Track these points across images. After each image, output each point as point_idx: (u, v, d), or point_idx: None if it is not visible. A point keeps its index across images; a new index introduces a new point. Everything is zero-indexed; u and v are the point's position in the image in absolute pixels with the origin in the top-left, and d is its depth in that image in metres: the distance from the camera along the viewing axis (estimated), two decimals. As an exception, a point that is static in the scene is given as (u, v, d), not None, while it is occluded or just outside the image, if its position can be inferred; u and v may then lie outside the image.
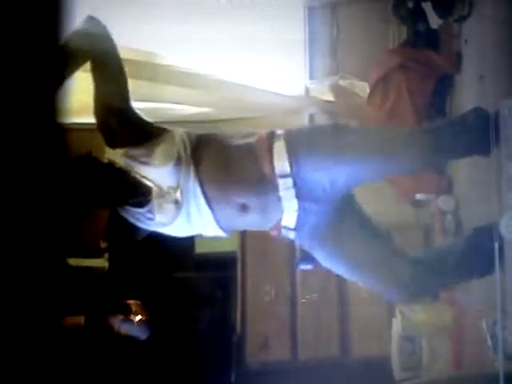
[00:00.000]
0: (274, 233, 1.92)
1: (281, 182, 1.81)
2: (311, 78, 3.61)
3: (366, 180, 1.95)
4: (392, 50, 3.25)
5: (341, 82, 3.43)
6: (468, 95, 2.74)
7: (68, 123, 1.87)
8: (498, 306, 1.96)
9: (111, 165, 1.83)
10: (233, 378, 2.99)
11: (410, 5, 2.99)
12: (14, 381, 1.06)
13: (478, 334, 2.38)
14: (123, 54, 2.53)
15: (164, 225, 1.84)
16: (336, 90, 3.41)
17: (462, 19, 2.80)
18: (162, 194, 1.80)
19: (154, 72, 2.97)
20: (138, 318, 2.14)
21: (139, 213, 1.84)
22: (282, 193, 1.82)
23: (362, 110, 3.23)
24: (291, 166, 1.81)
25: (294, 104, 3.38)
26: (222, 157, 1.84)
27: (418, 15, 3.01)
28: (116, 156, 1.86)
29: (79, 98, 2.66)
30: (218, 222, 1.83)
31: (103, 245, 2.03)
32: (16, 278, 1.04)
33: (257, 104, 3.23)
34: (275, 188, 1.82)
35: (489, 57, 2.56)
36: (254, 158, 1.83)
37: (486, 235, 1.97)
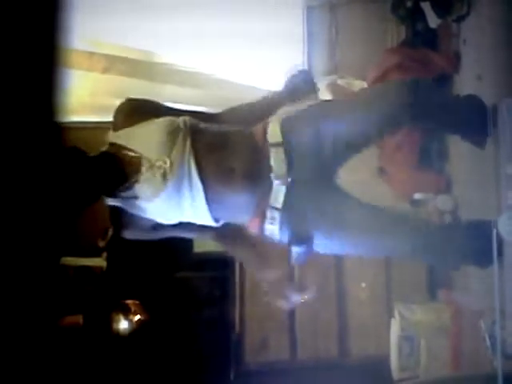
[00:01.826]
0: (254, 225, 1.87)
1: (272, 150, 1.83)
2: (310, 77, 3.60)
3: (353, 141, 1.92)
4: (390, 50, 3.25)
5: (339, 82, 3.44)
6: (466, 95, 2.74)
7: (67, 122, 1.86)
8: (497, 305, 1.96)
9: (101, 154, 1.82)
10: (232, 378, 2.98)
11: (409, 4, 2.99)
12: (12, 380, 1.06)
13: (477, 334, 2.38)
14: (121, 52, 2.53)
15: (149, 200, 1.79)
16: (334, 89, 3.41)
17: (460, 19, 2.80)
18: (149, 166, 1.78)
19: (152, 71, 2.97)
20: (137, 317, 2.14)
21: (127, 194, 1.81)
22: (272, 161, 1.82)
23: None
24: (283, 136, 1.84)
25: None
26: (219, 135, 1.87)
27: (416, 15, 3.01)
28: (117, 137, 1.85)
29: (79, 96, 2.67)
30: (208, 201, 1.80)
31: (101, 244, 2.02)
32: (14, 277, 1.03)
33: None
34: (266, 156, 1.83)
35: (487, 57, 2.56)
36: (249, 133, 1.88)
37: (483, 229, 1.97)
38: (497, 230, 1.94)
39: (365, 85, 3.24)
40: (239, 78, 3.26)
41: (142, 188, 1.79)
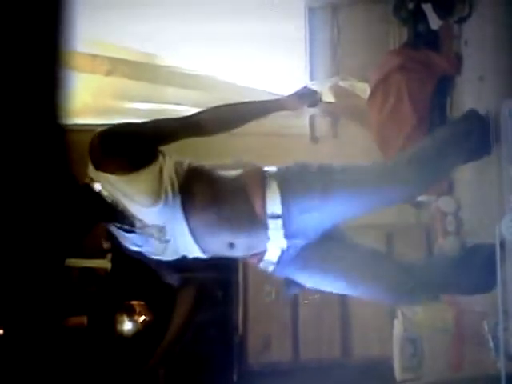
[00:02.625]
0: (253, 261, 1.95)
1: (271, 222, 1.82)
2: (311, 79, 3.61)
3: (354, 215, 1.96)
4: (392, 51, 3.25)
5: (341, 83, 3.44)
6: (468, 96, 2.74)
7: (71, 124, 1.87)
8: (500, 306, 1.96)
9: (88, 186, 1.69)
10: (235, 379, 2.99)
11: (411, 6, 2.99)
12: (18, 379, 1.07)
13: (480, 335, 2.38)
14: (123, 55, 2.54)
15: (152, 254, 1.86)
16: (336, 91, 3.41)
17: (462, 20, 2.80)
18: (146, 228, 1.77)
19: (155, 73, 2.98)
20: (142, 318, 2.15)
21: (129, 238, 1.83)
22: (271, 233, 1.83)
23: (363, 111, 3.23)
24: (282, 208, 1.81)
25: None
26: (211, 193, 1.80)
27: (418, 16, 3.01)
28: (98, 177, 1.71)
29: (82, 98, 2.67)
30: (204, 253, 1.86)
31: (106, 245, 2.03)
32: (19, 279, 1.04)
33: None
34: (265, 228, 1.82)
35: (489, 58, 2.56)
36: (245, 196, 1.82)
37: (483, 253, 1.99)
38: (500, 231, 1.94)
39: (367, 87, 3.25)
40: (241, 79, 3.26)
41: (145, 247, 1.83)
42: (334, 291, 2.06)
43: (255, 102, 2.02)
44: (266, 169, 1.89)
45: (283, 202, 1.81)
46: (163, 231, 1.77)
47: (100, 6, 2.87)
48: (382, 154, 3.17)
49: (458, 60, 2.90)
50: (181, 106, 3.13)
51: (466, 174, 2.85)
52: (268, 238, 1.84)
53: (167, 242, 1.80)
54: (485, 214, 2.42)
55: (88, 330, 2.54)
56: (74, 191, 1.63)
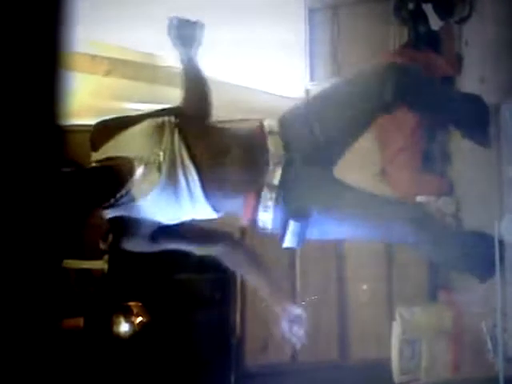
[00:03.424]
0: (249, 211, 1.86)
1: (270, 137, 1.87)
2: (311, 79, 3.60)
3: (345, 126, 1.97)
4: (393, 52, 3.25)
5: (341, 84, 3.43)
6: (468, 97, 2.73)
7: (69, 125, 1.86)
8: (498, 308, 1.96)
9: (92, 168, 1.81)
10: (232, 380, 2.98)
11: (411, 6, 2.99)
12: (14, 381, 1.06)
13: (478, 336, 2.38)
14: (123, 55, 2.52)
15: (146, 194, 1.77)
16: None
17: (462, 21, 2.80)
18: (143, 161, 1.78)
19: (154, 74, 2.97)
20: (139, 319, 2.13)
21: (124, 200, 1.79)
22: (269, 144, 1.85)
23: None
24: (280, 126, 1.91)
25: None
26: (207, 126, 1.90)
27: (418, 17, 3.01)
28: (100, 155, 1.85)
29: (81, 99, 2.67)
30: (203, 187, 1.79)
31: (103, 246, 2.02)
32: (15, 280, 1.03)
33: (257, 106, 3.23)
34: (263, 141, 1.87)
35: (489, 58, 2.56)
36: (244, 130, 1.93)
37: (486, 241, 1.97)
38: (499, 231, 1.94)
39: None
40: (241, 80, 3.25)
41: (137, 187, 1.77)
42: (343, 235, 2.03)
43: None
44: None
45: (281, 123, 1.92)
46: (161, 152, 1.78)
47: (99, 6, 2.87)
48: (381, 154, 3.17)
49: (458, 60, 2.90)
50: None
51: (465, 175, 2.85)
52: (267, 149, 1.85)
53: (163, 168, 1.77)
54: (484, 214, 2.41)
55: (84, 332, 2.53)
56: (78, 175, 1.75)
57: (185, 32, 1.95)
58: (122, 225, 1.84)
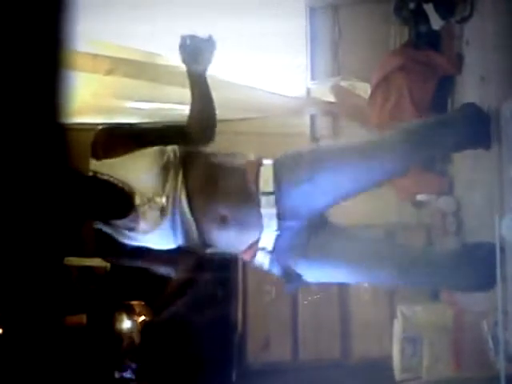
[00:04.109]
0: (247, 256, 1.92)
1: (263, 199, 1.82)
2: (312, 78, 3.61)
3: (346, 193, 1.95)
4: (393, 51, 3.25)
5: (342, 83, 3.44)
6: (469, 97, 2.74)
7: (71, 123, 1.87)
8: (499, 307, 1.96)
9: (94, 177, 1.82)
10: (234, 378, 2.99)
11: (412, 6, 2.99)
12: (16, 378, 1.07)
13: (479, 335, 2.38)
14: (124, 54, 2.52)
15: (146, 233, 1.83)
16: (337, 91, 3.41)
17: (463, 20, 2.80)
18: (147, 200, 1.79)
19: (156, 72, 2.97)
20: (142, 318, 2.14)
21: (120, 225, 1.83)
22: (263, 210, 1.83)
23: (363, 111, 3.23)
24: (275, 185, 1.83)
25: (295, 105, 3.39)
26: (209, 170, 1.86)
27: (419, 16, 3.01)
28: (101, 167, 1.84)
29: (82, 98, 2.67)
30: (200, 235, 1.84)
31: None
32: (18, 277, 1.04)
33: (258, 105, 3.24)
34: (257, 204, 1.83)
35: (490, 58, 2.56)
36: (241, 173, 1.86)
37: (484, 251, 1.98)
38: (500, 230, 1.94)
39: (368, 87, 3.24)
40: (242, 79, 3.26)
41: (140, 221, 1.81)
42: (335, 281, 2.05)
43: None
44: (263, 159, 1.93)
45: (275, 180, 1.84)
46: (164, 197, 1.78)
47: (101, 4, 2.87)
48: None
49: (459, 60, 2.90)
50: (182, 105, 3.12)
51: (466, 174, 2.85)
52: (260, 216, 1.82)
53: (166, 212, 1.79)
54: (485, 214, 2.42)
55: (87, 329, 2.55)
56: (79, 182, 1.77)
57: (197, 50, 1.93)
58: (108, 240, 1.87)
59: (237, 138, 2.57)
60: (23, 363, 1.10)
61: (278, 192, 1.83)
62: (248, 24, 3.44)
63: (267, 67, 3.48)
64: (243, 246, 1.89)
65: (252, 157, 1.92)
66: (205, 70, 1.95)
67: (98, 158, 1.81)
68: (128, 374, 2.00)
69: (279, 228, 1.84)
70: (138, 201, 1.79)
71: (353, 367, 3.06)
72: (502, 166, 2.14)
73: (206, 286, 3.01)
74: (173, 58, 3.12)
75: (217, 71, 3.19)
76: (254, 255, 1.90)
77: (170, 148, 1.84)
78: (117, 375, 1.98)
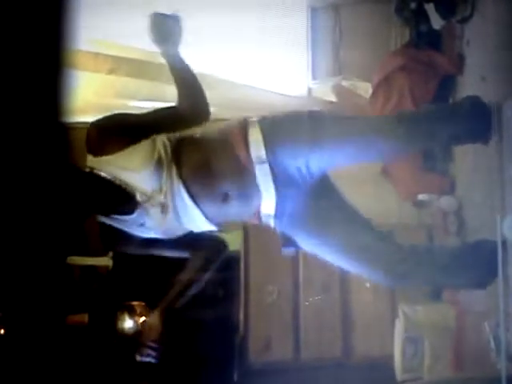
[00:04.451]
0: (254, 221, 1.93)
1: (257, 168, 1.82)
2: (314, 78, 3.61)
3: (341, 164, 1.98)
4: (394, 51, 3.25)
5: (343, 83, 3.44)
6: (470, 96, 2.74)
7: (73, 122, 1.87)
8: (501, 307, 1.96)
9: (92, 173, 1.80)
10: (235, 378, 2.99)
11: (413, 6, 3.00)
12: (19, 377, 1.07)
13: (481, 335, 2.38)
14: (126, 53, 2.52)
15: (155, 228, 1.84)
16: (338, 90, 3.42)
17: (464, 20, 2.80)
18: (147, 198, 1.79)
19: (157, 71, 2.97)
20: (143, 319, 2.14)
21: (129, 220, 1.83)
22: (259, 179, 1.82)
23: (365, 110, 3.23)
24: (267, 152, 1.82)
25: (296, 104, 3.38)
26: (200, 154, 1.84)
27: (420, 16, 3.02)
28: (98, 163, 1.82)
29: (84, 97, 2.67)
30: (206, 216, 1.83)
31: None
32: (21, 276, 1.04)
33: (259, 104, 3.24)
34: (252, 175, 1.82)
35: (491, 58, 2.56)
36: (230, 148, 1.83)
37: (486, 248, 1.98)
38: (501, 230, 1.94)
39: (369, 86, 3.25)
40: (244, 79, 3.26)
41: (145, 218, 1.81)
42: (329, 260, 2.03)
43: None
44: (247, 118, 1.89)
45: (267, 146, 1.82)
46: (163, 194, 1.79)
47: (103, 3, 2.88)
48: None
49: (460, 60, 2.90)
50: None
51: (467, 174, 2.85)
52: (258, 186, 1.82)
53: (167, 209, 1.79)
54: (486, 213, 2.42)
55: (89, 328, 2.55)
56: (79, 179, 1.76)
57: (165, 28, 1.88)
58: (114, 232, 1.87)
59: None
60: (25, 362, 1.10)
61: (271, 157, 1.82)
62: (250, 24, 3.45)
63: (268, 67, 3.48)
64: (248, 216, 1.92)
65: (235, 123, 1.89)
66: (176, 48, 1.91)
67: (95, 154, 1.80)
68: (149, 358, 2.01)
69: (278, 195, 1.85)
70: (139, 198, 1.79)
71: (354, 367, 3.05)
72: (504, 165, 2.14)
73: (207, 286, 3.01)
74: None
75: (218, 70, 3.20)
76: (260, 220, 1.91)
77: (160, 144, 1.81)
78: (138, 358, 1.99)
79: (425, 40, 3.02)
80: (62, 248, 1.15)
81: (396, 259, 1.97)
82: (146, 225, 1.83)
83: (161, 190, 1.79)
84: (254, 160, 1.81)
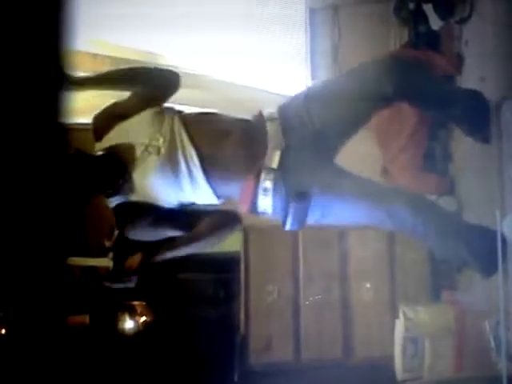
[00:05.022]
0: (248, 193, 1.86)
1: (268, 122, 1.89)
2: (313, 78, 3.61)
3: (340, 117, 1.97)
4: (393, 52, 3.25)
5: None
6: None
7: (72, 123, 1.89)
8: (501, 306, 1.96)
9: (100, 155, 1.87)
10: (236, 379, 2.99)
11: (412, 6, 3.00)
12: (19, 378, 1.07)
13: (481, 335, 2.38)
14: (126, 54, 2.53)
15: (145, 177, 1.83)
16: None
17: (462, 21, 2.81)
18: (144, 148, 1.83)
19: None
20: (143, 319, 2.15)
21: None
22: (268, 126, 1.88)
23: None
24: (279, 112, 1.93)
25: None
26: (207, 116, 1.96)
27: (419, 17, 3.02)
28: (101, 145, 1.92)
29: (83, 98, 2.67)
30: (203, 169, 1.83)
31: (107, 244, 2.03)
32: (21, 277, 1.04)
33: (258, 105, 3.24)
34: (262, 124, 1.89)
35: (489, 58, 2.56)
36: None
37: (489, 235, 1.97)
38: (501, 230, 1.94)
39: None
40: (243, 80, 3.27)
41: (137, 170, 1.83)
42: (339, 220, 1.99)
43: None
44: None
45: (279, 110, 1.94)
46: (161, 139, 1.82)
47: (101, 4, 2.88)
48: (382, 154, 3.18)
49: (458, 60, 2.90)
50: (181, 104, 3.13)
51: (467, 174, 2.86)
52: (265, 132, 1.87)
53: (163, 152, 1.82)
54: (486, 213, 2.42)
55: (90, 329, 2.55)
56: (83, 161, 1.83)
57: None
58: (126, 211, 1.87)
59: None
60: (26, 363, 1.10)
61: (281, 118, 1.93)
62: (248, 26, 3.45)
63: (267, 67, 3.48)
64: (247, 171, 1.86)
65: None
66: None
67: (99, 138, 1.90)
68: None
69: (285, 145, 1.85)
70: (138, 152, 1.82)
71: (354, 367, 3.05)
72: (503, 165, 2.14)
73: (208, 286, 3.02)
74: (172, 58, 3.13)
75: (217, 71, 3.20)
76: (256, 191, 1.84)
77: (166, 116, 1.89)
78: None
79: (423, 40, 3.03)
80: (63, 249, 1.15)
81: (415, 199, 1.97)
82: (139, 177, 1.85)
83: (160, 134, 1.82)
84: (265, 117, 1.93)
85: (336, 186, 1.87)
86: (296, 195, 1.82)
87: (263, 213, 1.89)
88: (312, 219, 1.88)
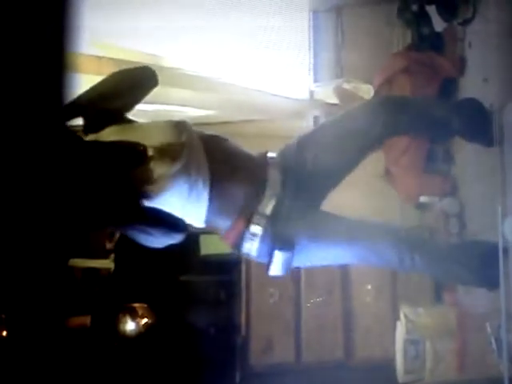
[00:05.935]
0: (237, 231, 1.86)
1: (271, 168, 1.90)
2: (316, 80, 3.61)
3: (338, 162, 2.00)
4: (396, 54, 3.25)
5: (345, 86, 3.44)
6: (472, 99, 2.74)
7: (75, 125, 1.88)
8: (503, 308, 1.96)
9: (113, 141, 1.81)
10: (237, 380, 2.99)
11: (415, 8, 3.00)
12: (21, 379, 1.07)
13: (482, 337, 2.38)
14: (129, 56, 2.53)
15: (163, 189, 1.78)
16: (340, 93, 3.42)
17: (466, 22, 2.81)
18: (160, 150, 1.78)
19: (160, 74, 2.97)
20: (144, 321, 2.15)
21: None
22: (269, 175, 1.88)
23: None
24: (281, 157, 1.96)
25: (298, 107, 3.39)
26: (226, 145, 1.92)
27: (422, 18, 3.02)
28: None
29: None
30: (210, 194, 1.81)
31: (109, 246, 2.03)
32: (23, 279, 1.04)
33: (261, 107, 3.24)
34: (265, 170, 1.90)
35: (493, 60, 2.56)
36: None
37: (483, 250, 1.97)
38: (503, 232, 1.94)
39: (371, 89, 3.25)
40: (246, 81, 3.27)
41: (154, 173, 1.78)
42: (325, 262, 2.01)
43: None
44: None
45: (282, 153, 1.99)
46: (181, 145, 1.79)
47: (105, 7, 2.89)
48: (384, 156, 3.17)
49: (461, 62, 2.90)
50: (185, 107, 3.14)
51: (469, 175, 2.86)
52: (266, 179, 1.88)
53: (183, 158, 1.78)
54: (488, 215, 2.42)
55: (91, 330, 2.55)
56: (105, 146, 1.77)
57: None
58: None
59: (239, 141, 2.57)
60: (27, 364, 1.10)
61: (283, 162, 1.95)
62: (252, 27, 3.45)
63: (270, 69, 3.49)
64: (242, 208, 1.86)
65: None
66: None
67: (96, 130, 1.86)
68: None
69: (281, 195, 1.87)
70: (150, 152, 1.76)
71: (356, 369, 3.05)
72: (505, 167, 2.14)
73: (209, 288, 3.02)
74: (176, 61, 3.13)
75: (221, 73, 3.20)
76: (243, 233, 1.85)
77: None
78: None
79: (427, 42, 3.03)
80: (64, 250, 1.15)
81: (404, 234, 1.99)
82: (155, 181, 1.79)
83: (179, 140, 1.79)
84: (269, 161, 1.94)
85: (323, 233, 1.91)
86: (283, 244, 1.86)
87: (247, 254, 1.91)
88: (297, 264, 1.93)
